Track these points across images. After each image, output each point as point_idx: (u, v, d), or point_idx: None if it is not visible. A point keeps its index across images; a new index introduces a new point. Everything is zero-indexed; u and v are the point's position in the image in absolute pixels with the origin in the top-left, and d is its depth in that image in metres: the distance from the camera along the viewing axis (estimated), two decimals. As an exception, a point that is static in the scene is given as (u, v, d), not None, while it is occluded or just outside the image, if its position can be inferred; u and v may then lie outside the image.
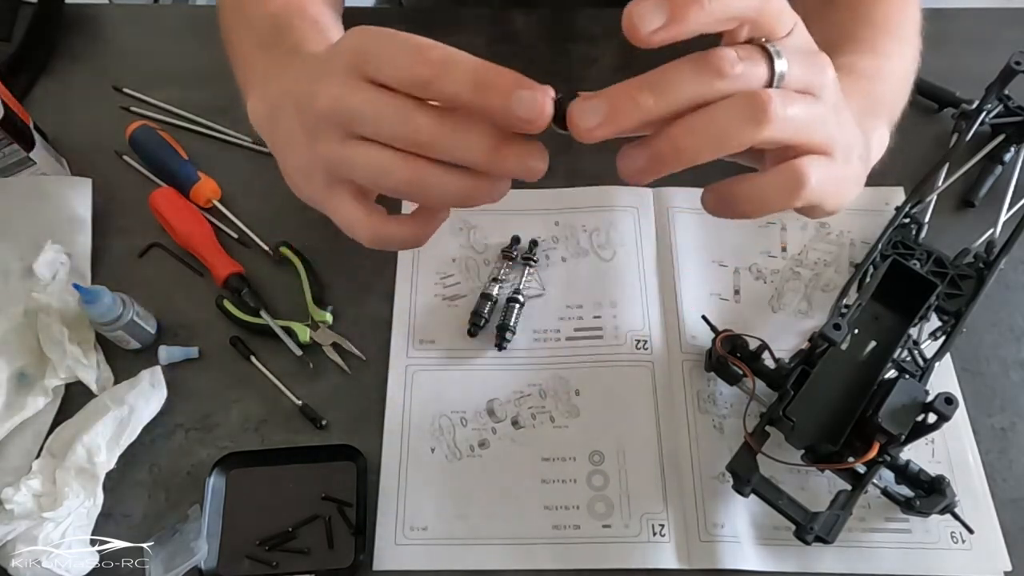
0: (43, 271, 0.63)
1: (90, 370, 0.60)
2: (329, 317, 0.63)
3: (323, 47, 0.41)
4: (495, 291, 0.64)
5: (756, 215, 0.34)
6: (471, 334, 0.63)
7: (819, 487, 0.57)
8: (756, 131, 0.31)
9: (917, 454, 0.57)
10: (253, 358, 0.62)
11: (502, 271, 0.65)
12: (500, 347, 0.62)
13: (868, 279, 0.60)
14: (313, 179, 0.37)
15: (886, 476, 0.55)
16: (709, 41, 0.32)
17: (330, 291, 0.65)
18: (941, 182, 0.67)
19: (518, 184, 0.35)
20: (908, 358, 0.57)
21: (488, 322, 0.63)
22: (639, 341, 0.62)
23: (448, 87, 0.32)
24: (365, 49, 0.34)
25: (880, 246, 0.62)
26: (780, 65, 0.31)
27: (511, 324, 0.62)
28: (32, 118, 0.68)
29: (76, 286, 0.58)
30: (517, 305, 0.63)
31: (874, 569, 0.54)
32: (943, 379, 0.60)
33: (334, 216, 0.37)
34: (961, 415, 0.59)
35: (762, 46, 0.32)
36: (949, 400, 0.49)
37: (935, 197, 0.66)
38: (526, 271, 0.65)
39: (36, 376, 0.60)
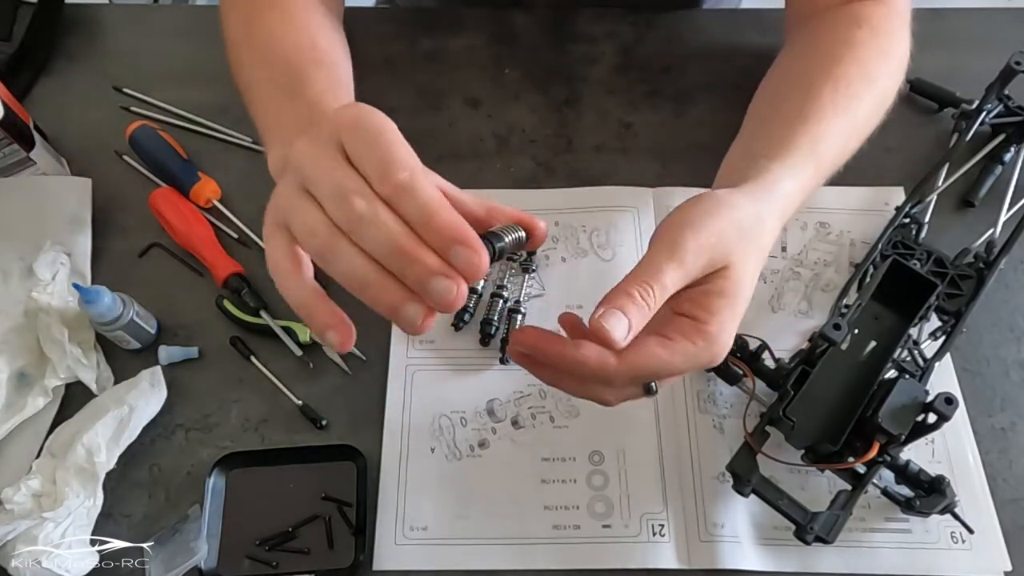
0: (43, 271, 0.63)
1: (90, 370, 0.60)
2: (329, 317, 0.63)
3: (339, 102, 0.49)
4: (479, 284, 0.64)
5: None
6: (456, 328, 0.63)
7: (819, 487, 0.57)
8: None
9: (917, 454, 0.57)
10: (253, 358, 0.62)
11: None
12: (505, 360, 0.62)
13: (868, 279, 0.60)
14: (267, 215, 0.39)
15: (886, 476, 0.55)
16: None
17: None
18: (941, 182, 0.67)
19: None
20: (908, 358, 0.57)
21: (473, 316, 0.64)
22: (639, 341, 0.62)
23: (365, 244, 0.35)
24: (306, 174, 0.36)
25: (880, 246, 0.62)
26: (652, 388, 0.43)
27: None
28: (32, 118, 0.68)
29: (76, 286, 0.58)
30: (519, 316, 0.63)
31: (874, 569, 0.54)
32: (943, 379, 0.60)
33: (267, 252, 0.39)
34: (961, 415, 0.59)
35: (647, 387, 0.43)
36: (949, 400, 0.49)
37: (935, 197, 0.66)
38: (526, 279, 0.65)
39: (36, 376, 0.60)
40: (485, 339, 0.63)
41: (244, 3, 0.59)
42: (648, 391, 0.43)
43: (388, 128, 0.35)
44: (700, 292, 0.42)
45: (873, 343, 0.57)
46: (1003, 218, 0.64)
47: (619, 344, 0.39)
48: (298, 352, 0.62)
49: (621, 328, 0.39)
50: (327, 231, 0.35)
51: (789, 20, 0.67)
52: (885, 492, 0.55)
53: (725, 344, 0.42)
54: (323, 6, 0.61)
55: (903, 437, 0.51)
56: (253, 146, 0.72)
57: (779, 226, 0.48)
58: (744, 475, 0.52)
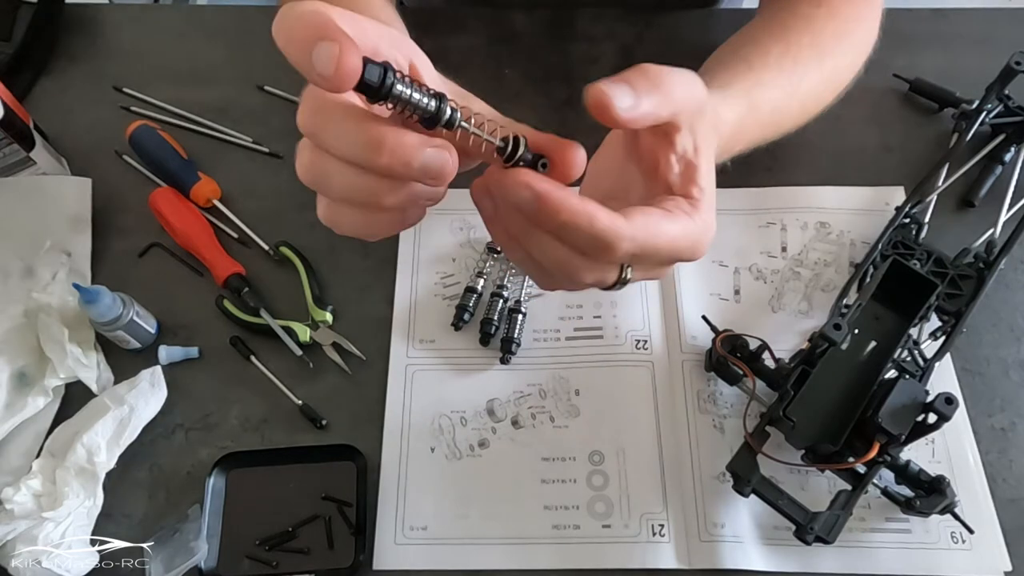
0: (43, 271, 0.63)
1: (90, 370, 0.60)
2: (329, 317, 0.63)
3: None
4: (479, 284, 0.64)
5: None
6: (456, 328, 0.63)
7: (819, 487, 0.57)
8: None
9: (917, 454, 0.57)
10: (253, 358, 0.62)
11: (487, 264, 0.65)
12: (505, 360, 0.62)
13: (868, 279, 0.60)
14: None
15: (886, 476, 0.55)
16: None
17: (330, 291, 0.65)
18: (941, 182, 0.67)
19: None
20: (908, 358, 0.57)
21: (473, 315, 0.64)
22: (639, 341, 0.62)
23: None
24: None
25: (880, 246, 0.62)
26: (626, 273, 0.39)
27: (515, 336, 0.62)
28: (32, 118, 0.68)
29: (76, 286, 0.58)
30: (520, 316, 0.63)
31: (874, 569, 0.54)
32: (943, 379, 0.60)
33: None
34: (961, 415, 0.59)
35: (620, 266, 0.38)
36: (949, 400, 0.49)
37: (935, 197, 0.66)
38: (526, 279, 0.65)
39: (36, 376, 0.60)
40: (485, 339, 0.63)
41: None
42: (621, 279, 0.39)
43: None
44: (680, 160, 0.39)
45: (873, 343, 0.57)
46: (1003, 218, 0.64)
47: (620, 114, 0.35)
48: (298, 352, 0.62)
49: (625, 98, 0.34)
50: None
51: (760, 3, 0.67)
52: (885, 492, 0.55)
53: (713, 224, 0.39)
54: None
55: (903, 437, 0.51)
56: (253, 146, 0.72)
57: (716, 143, 0.46)
58: (744, 475, 0.52)
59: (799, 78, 0.55)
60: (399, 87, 0.29)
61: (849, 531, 0.55)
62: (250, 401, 0.61)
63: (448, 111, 0.32)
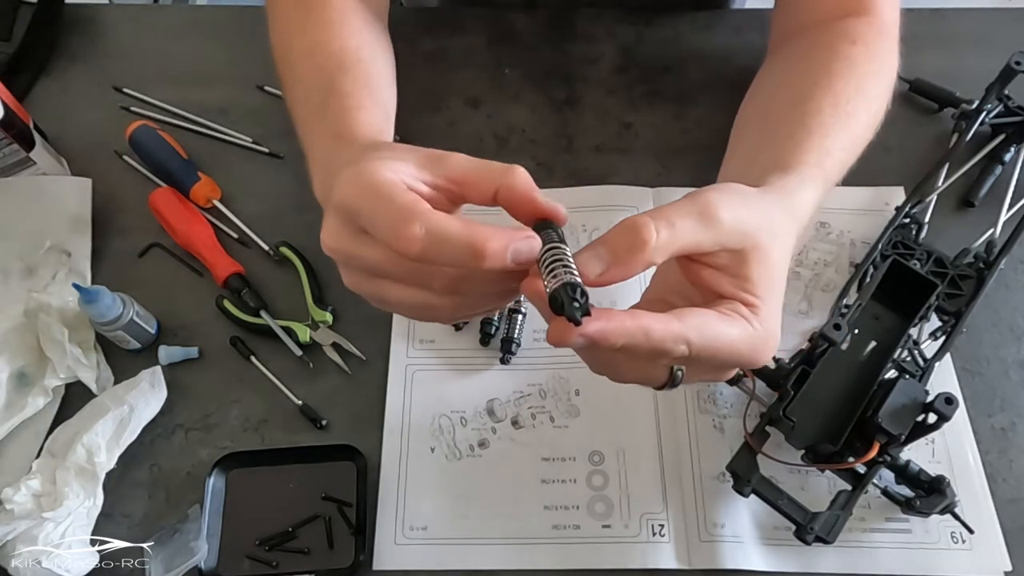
0: (43, 271, 0.63)
1: (90, 370, 0.60)
2: (329, 317, 0.63)
3: (362, 110, 0.48)
4: None
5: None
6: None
7: (819, 487, 0.57)
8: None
9: (917, 454, 0.57)
10: (253, 358, 0.62)
11: None
12: (505, 361, 0.62)
13: (868, 279, 0.60)
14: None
15: (886, 476, 0.55)
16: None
17: (330, 291, 0.65)
18: (941, 182, 0.67)
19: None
20: (908, 358, 0.57)
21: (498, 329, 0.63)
22: (639, 341, 0.62)
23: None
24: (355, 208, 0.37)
25: (880, 246, 0.62)
26: (677, 376, 0.40)
27: (515, 336, 0.62)
28: (32, 118, 0.68)
29: (76, 286, 0.58)
30: (520, 316, 0.63)
31: (874, 569, 0.54)
32: (943, 379, 0.60)
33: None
34: (961, 415, 0.59)
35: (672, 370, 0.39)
36: (949, 400, 0.49)
37: (935, 197, 0.66)
38: None
39: (36, 376, 0.60)
40: (485, 339, 0.63)
41: (283, 15, 0.58)
42: (673, 380, 0.39)
43: (384, 185, 0.35)
44: (739, 274, 0.38)
45: (873, 343, 0.57)
46: (1003, 218, 0.64)
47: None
48: (298, 352, 0.62)
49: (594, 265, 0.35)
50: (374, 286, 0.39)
51: (775, 34, 0.66)
52: (885, 492, 0.55)
53: (777, 333, 0.38)
54: (362, 8, 0.59)
55: (903, 437, 0.51)
56: (253, 146, 0.72)
57: (796, 235, 0.44)
58: (744, 475, 0.52)
59: (853, 128, 0.54)
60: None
61: (849, 531, 0.55)
62: (250, 401, 0.61)
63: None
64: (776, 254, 0.39)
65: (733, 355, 0.37)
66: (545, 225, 0.36)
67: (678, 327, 0.34)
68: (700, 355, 0.35)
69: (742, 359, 0.37)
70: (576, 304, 0.33)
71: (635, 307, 0.41)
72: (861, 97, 0.55)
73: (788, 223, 0.43)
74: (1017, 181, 0.67)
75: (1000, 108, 0.69)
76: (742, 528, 0.55)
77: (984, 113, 0.68)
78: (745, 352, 0.37)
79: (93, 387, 0.59)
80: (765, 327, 0.37)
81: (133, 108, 0.75)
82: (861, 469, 0.53)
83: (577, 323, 0.33)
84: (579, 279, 0.33)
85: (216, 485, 0.57)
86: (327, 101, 0.50)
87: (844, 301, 0.60)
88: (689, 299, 0.41)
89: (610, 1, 0.79)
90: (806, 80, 0.56)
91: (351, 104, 0.49)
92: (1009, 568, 0.54)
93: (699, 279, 0.39)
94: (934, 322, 0.61)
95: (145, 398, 0.58)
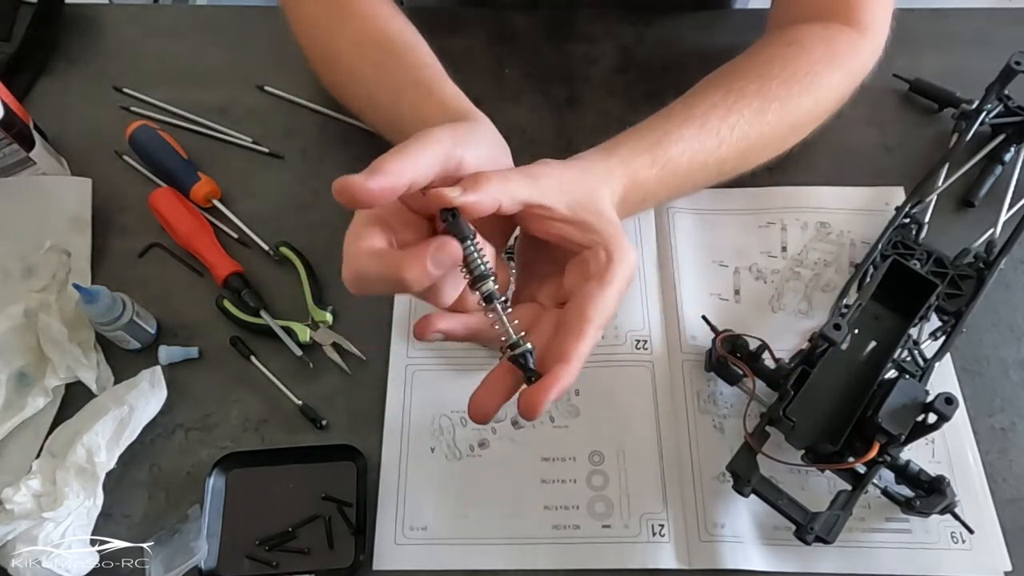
0: (43, 271, 0.63)
1: (90, 370, 0.60)
2: (329, 317, 0.63)
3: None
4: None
5: None
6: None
7: (819, 487, 0.57)
8: None
9: (917, 454, 0.57)
10: (253, 358, 0.62)
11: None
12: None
13: (868, 279, 0.60)
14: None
15: (886, 476, 0.55)
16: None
17: (330, 291, 0.65)
18: (941, 182, 0.67)
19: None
20: (908, 358, 0.57)
21: None
22: (639, 341, 0.62)
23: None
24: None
25: (880, 246, 0.62)
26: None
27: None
28: (32, 118, 0.68)
29: (76, 286, 0.58)
30: None
31: (874, 569, 0.54)
32: (943, 379, 0.60)
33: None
34: (961, 415, 0.59)
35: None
36: (949, 400, 0.49)
37: (935, 197, 0.66)
38: None
39: (36, 376, 0.60)
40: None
41: (310, 18, 0.61)
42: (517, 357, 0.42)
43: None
44: (582, 225, 0.43)
45: (873, 343, 0.57)
46: (1003, 218, 0.64)
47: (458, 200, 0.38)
48: (298, 352, 0.62)
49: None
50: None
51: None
52: (885, 492, 0.55)
53: (634, 256, 0.43)
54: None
55: (903, 437, 0.51)
56: (253, 146, 0.72)
57: (621, 184, 0.50)
58: (744, 475, 0.52)
59: (729, 126, 0.55)
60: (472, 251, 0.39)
61: (849, 531, 0.55)
62: (250, 401, 0.61)
63: (490, 287, 0.40)
64: (602, 204, 0.45)
65: (620, 299, 0.43)
66: (448, 211, 0.39)
67: (584, 353, 0.42)
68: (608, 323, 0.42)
69: (624, 291, 0.43)
70: (531, 377, 0.40)
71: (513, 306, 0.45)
72: (761, 97, 0.56)
73: (603, 174, 0.49)
74: (1017, 181, 0.67)
75: (1000, 108, 0.69)
76: (742, 528, 0.55)
77: (984, 113, 0.68)
78: (626, 287, 0.43)
79: (93, 387, 0.59)
80: (622, 254, 0.43)
81: (133, 108, 0.75)
82: (861, 469, 0.53)
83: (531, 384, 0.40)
84: (500, 294, 0.40)
85: (216, 485, 0.57)
86: (416, 80, 0.55)
87: (844, 301, 0.60)
88: (555, 299, 0.45)
89: (610, 1, 0.79)
90: (717, 74, 0.59)
91: (436, 75, 0.55)
92: (1009, 568, 0.54)
93: (559, 238, 0.44)
94: (934, 322, 0.61)
95: (145, 398, 0.58)
